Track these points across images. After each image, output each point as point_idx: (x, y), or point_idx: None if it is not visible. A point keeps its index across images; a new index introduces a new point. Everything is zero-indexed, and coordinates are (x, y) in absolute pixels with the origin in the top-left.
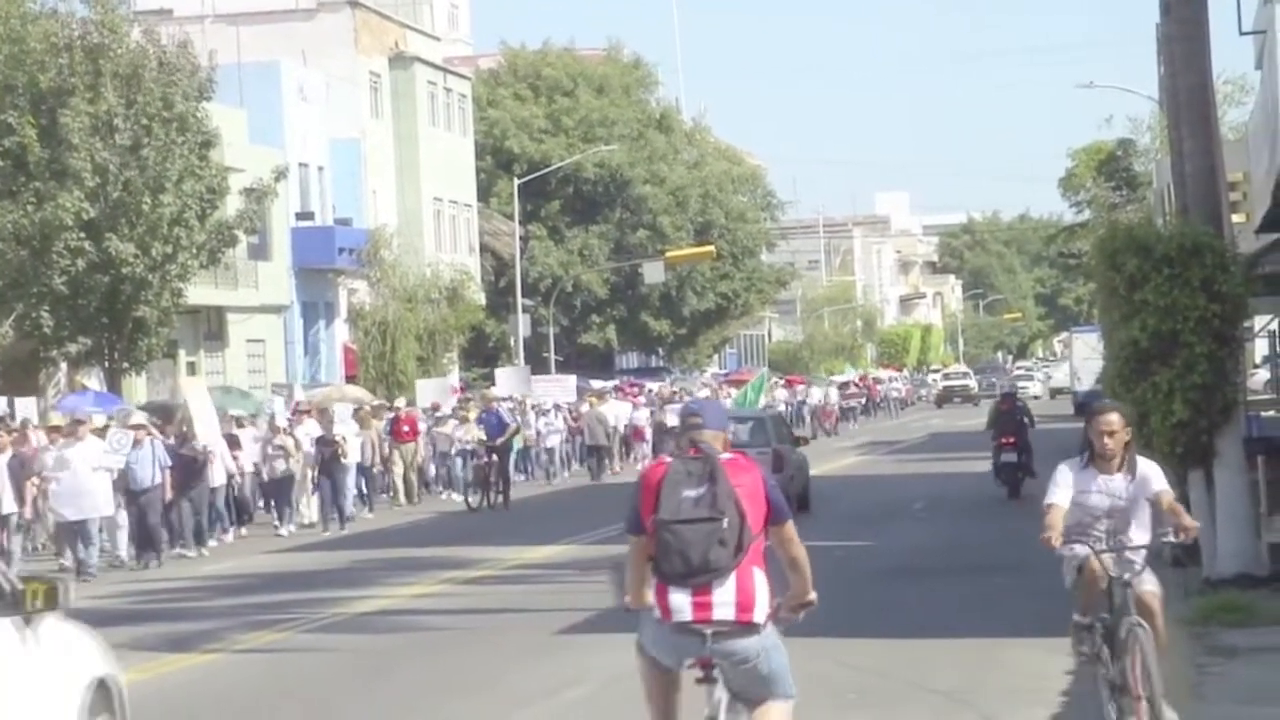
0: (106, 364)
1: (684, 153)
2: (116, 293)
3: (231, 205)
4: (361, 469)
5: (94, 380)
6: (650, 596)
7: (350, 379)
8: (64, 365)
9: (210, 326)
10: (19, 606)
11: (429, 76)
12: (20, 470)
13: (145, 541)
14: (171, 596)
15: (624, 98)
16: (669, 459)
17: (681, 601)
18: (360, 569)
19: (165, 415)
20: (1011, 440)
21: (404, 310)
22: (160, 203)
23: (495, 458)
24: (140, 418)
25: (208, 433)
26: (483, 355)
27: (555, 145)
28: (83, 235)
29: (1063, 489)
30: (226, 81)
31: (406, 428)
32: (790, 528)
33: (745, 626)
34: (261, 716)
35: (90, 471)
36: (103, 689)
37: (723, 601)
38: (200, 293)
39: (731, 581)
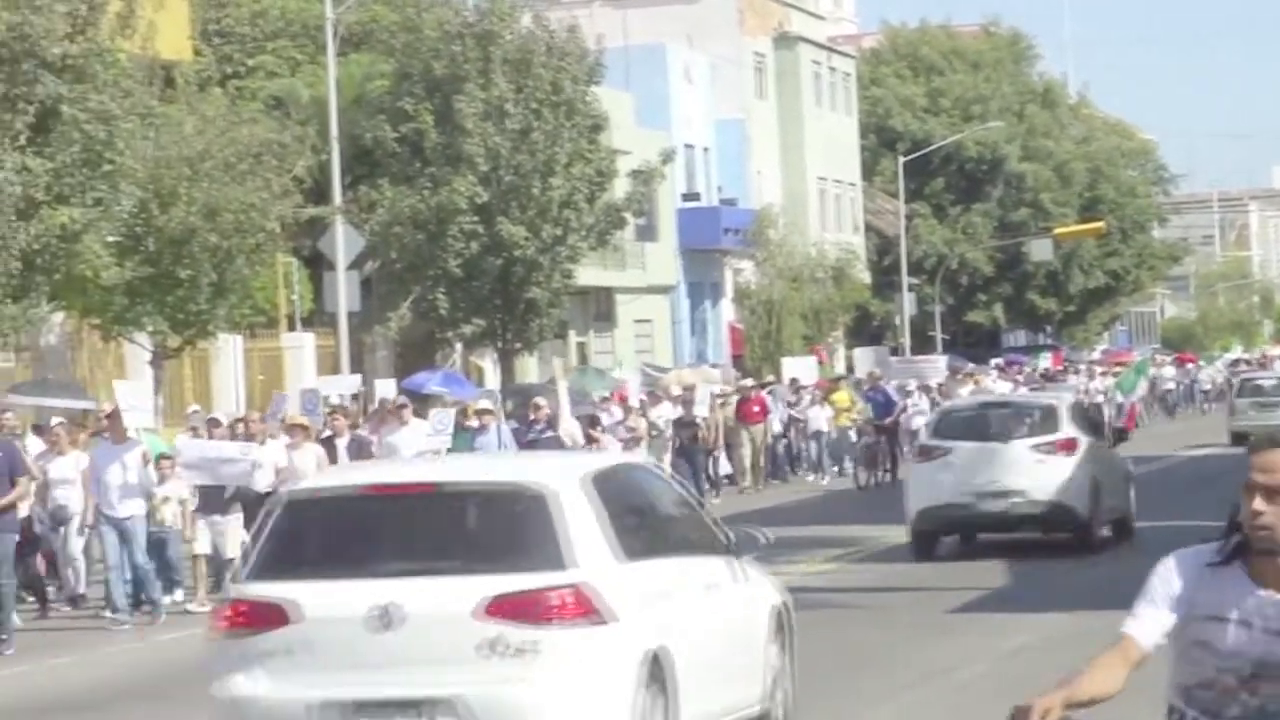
0: (499, 344)
1: (1070, 128)
2: (508, 274)
3: (619, 187)
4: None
5: (487, 361)
6: None
7: (736, 358)
8: (459, 346)
9: (599, 307)
10: (729, 550)
11: (813, 56)
12: (359, 453)
13: None
14: None
15: (998, 72)
16: None
17: None
18: None
19: (524, 398)
20: None
21: (789, 289)
22: (550, 186)
23: (883, 436)
24: (487, 402)
25: (567, 417)
26: (868, 334)
27: (936, 124)
28: (476, 219)
29: (1155, 610)
30: (613, 65)
31: (756, 408)
32: None
33: None
34: None
35: (412, 456)
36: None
37: None
38: (589, 274)
39: None
